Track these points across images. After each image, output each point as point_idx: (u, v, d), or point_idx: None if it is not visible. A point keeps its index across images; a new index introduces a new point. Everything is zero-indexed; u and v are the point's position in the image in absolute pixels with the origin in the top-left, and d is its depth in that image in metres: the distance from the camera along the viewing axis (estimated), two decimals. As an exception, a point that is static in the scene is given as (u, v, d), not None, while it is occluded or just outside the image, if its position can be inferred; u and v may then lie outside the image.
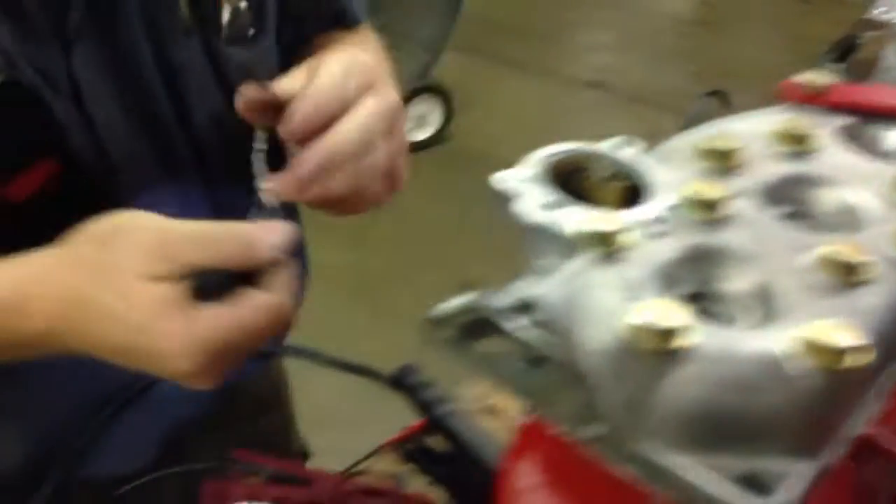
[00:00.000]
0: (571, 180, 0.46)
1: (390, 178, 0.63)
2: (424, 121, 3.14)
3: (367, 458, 0.89)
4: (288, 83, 0.59)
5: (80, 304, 0.53)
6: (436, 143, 3.18)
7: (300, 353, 0.82)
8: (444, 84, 3.13)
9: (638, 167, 0.46)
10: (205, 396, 0.86)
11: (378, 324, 2.49)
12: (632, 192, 0.47)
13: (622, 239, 0.40)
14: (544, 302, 0.37)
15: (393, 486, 0.80)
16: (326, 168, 0.58)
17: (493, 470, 0.67)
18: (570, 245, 0.40)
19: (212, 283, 0.53)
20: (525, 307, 0.38)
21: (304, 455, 1.03)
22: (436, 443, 0.80)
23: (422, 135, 3.14)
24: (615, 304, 0.37)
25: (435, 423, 0.71)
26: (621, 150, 0.47)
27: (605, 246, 0.39)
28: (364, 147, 0.59)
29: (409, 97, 3.02)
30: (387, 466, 0.88)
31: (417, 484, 0.86)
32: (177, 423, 0.85)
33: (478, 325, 0.42)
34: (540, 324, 0.38)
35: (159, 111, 0.68)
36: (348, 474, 0.79)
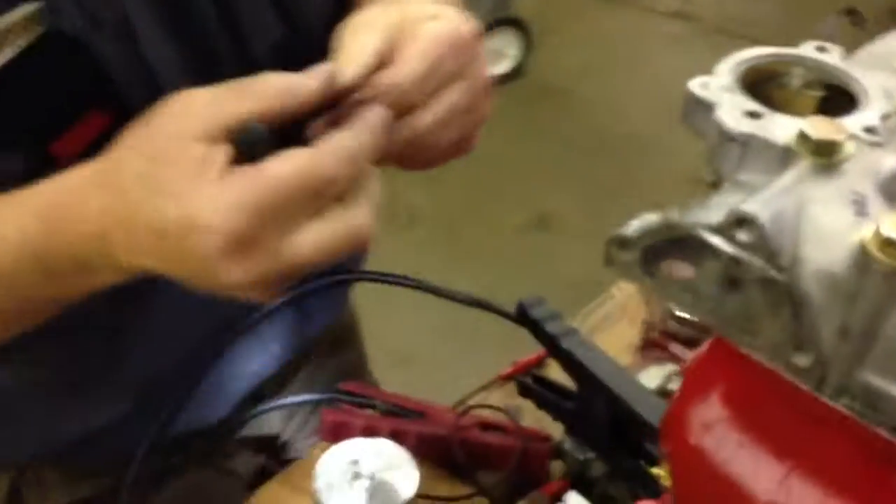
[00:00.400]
0: (761, 89, 0.42)
1: (459, 145, 0.59)
2: (502, 54, 3.06)
3: (478, 391, 0.87)
4: (355, 69, 0.52)
5: (122, 187, 0.48)
6: (514, 77, 3.11)
7: (419, 285, 0.79)
8: (522, 16, 3.05)
9: (843, 74, 0.41)
10: (286, 349, 0.84)
11: (458, 259, 2.47)
12: (827, 102, 0.43)
13: (845, 149, 0.35)
14: (758, 218, 0.33)
15: (508, 419, 0.78)
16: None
17: (626, 403, 0.64)
18: (781, 156, 0.36)
19: (262, 149, 0.47)
20: (736, 224, 0.34)
21: None
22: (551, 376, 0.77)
23: (500, 69, 3.07)
24: (845, 219, 0.33)
25: (562, 356, 0.67)
26: (819, 55, 0.42)
27: (825, 157, 0.35)
28: (434, 133, 0.55)
29: (486, 30, 2.95)
30: (497, 400, 0.86)
31: (530, 417, 0.83)
32: (255, 379, 0.83)
33: (660, 248, 0.38)
34: (750, 243, 0.34)
35: (215, 46, 0.64)
36: (464, 408, 0.76)
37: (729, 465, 0.38)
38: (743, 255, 0.34)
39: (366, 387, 0.82)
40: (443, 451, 0.73)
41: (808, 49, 0.43)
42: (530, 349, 0.85)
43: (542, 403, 0.74)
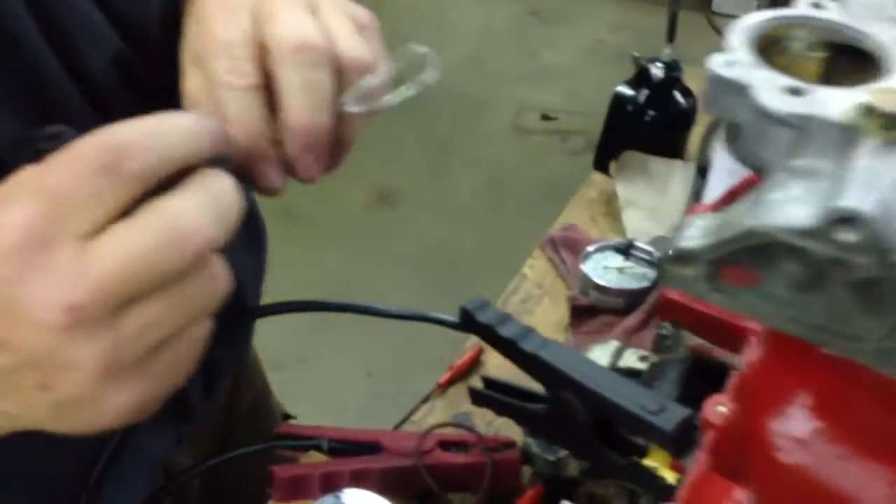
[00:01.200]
0: (762, 56, 0.38)
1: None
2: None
3: (419, 405, 0.81)
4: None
5: None
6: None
7: (346, 308, 0.72)
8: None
9: (854, 31, 0.37)
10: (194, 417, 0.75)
11: (310, 250, 2.38)
12: (829, 64, 0.40)
13: (916, 119, 0.32)
14: (866, 213, 0.29)
15: (469, 432, 0.73)
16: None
17: (611, 400, 0.60)
18: (841, 135, 0.33)
19: None
20: (838, 223, 0.30)
21: (285, 418, 0.94)
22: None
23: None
24: (952, 200, 0.30)
25: (526, 360, 0.63)
26: (817, 13, 0.39)
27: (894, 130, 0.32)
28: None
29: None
30: (443, 412, 0.81)
31: (481, 420, 0.79)
32: (168, 452, 0.75)
33: (722, 257, 0.34)
34: (856, 243, 0.30)
35: (43, 69, 0.54)
36: (424, 432, 0.71)
37: (834, 480, 0.34)
38: (846, 255, 0.30)
39: (302, 427, 0.74)
40: (410, 481, 0.67)
41: (803, 7, 0.39)
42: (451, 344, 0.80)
43: (501, 410, 0.69)
